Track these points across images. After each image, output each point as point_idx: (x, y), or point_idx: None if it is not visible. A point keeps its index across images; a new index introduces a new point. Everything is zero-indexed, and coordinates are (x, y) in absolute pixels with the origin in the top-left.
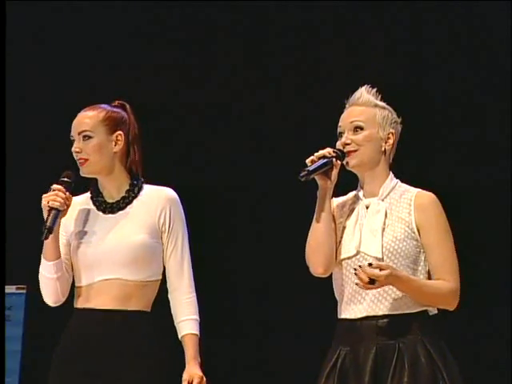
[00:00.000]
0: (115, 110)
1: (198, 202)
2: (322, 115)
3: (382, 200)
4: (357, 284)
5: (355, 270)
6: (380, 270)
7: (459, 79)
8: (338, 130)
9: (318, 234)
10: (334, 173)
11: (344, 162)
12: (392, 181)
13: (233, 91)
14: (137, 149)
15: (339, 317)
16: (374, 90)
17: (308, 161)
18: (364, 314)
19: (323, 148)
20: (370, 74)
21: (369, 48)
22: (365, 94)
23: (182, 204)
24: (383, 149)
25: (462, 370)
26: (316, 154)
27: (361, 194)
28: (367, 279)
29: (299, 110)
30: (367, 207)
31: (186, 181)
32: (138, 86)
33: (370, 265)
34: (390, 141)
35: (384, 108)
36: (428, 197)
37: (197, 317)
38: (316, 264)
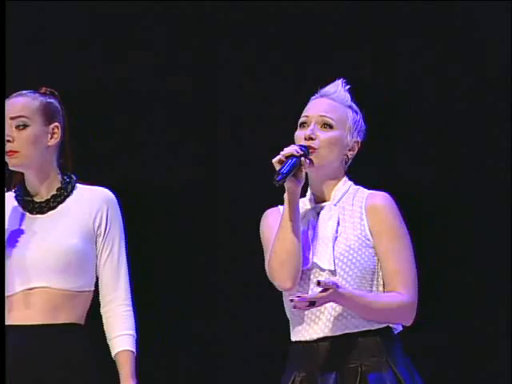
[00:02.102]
0: (48, 99)
1: (134, 204)
2: (276, 113)
3: (335, 205)
4: (294, 308)
5: (291, 301)
6: (323, 290)
7: (459, 79)
8: (302, 119)
9: (287, 243)
10: (303, 173)
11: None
12: (345, 183)
13: (181, 83)
14: (70, 143)
15: (292, 339)
16: (348, 87)
17: (275, 161)
18: (321, 335)
19: (287, 146)
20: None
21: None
22: (341, 89)
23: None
24: (345, 156)
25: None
26: (283, 153)
27: (311, 199)
28: (307, 304)
29: (260, 107)
30: (318, 213)
31: (120, 180)
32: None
33: (318, 283)
34: (355, 149)
35: (357, 112)
36: (380, 197)
37: (133, 332)
38: (284, 278)
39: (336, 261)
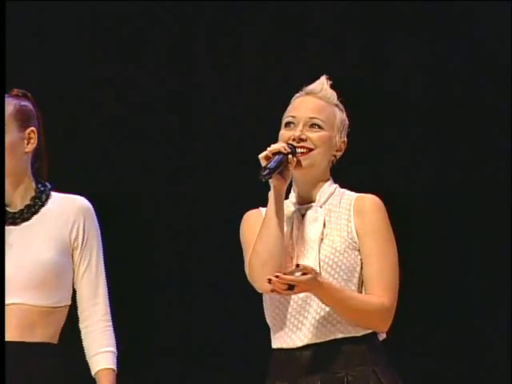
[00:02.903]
0: (22, 102)
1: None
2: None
3: (320, 207)
4: (271, 291)
5: (269, 279)
6: (303, 273)
7: (459, 80)
8: (288, 119)
9: (270, 243)
10: (290, 172)
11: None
12: (331, 185)
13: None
14: (45, 148)
15: (274, 347)
16: (331, 83)
17: (262, 157)
18: (305, 342)
19: (273, 142)
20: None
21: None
22: (327, 87)
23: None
24: (333, 157)
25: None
26: (270, 149)
27: (295, 200)
28: (285, 286)
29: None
30: (303, 215)
31: (96, 188)
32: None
33: (297, 266)
34: (342, 149)
35: (342, 111)
36: (369, 199)
37: (114, 349)
38: (265, 278)
39: (321, 263)
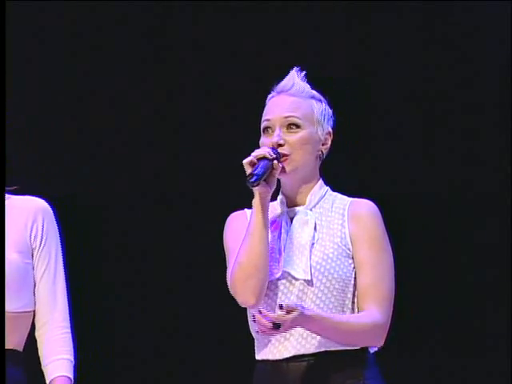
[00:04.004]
0: None
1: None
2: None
3: (311, 210)
4: (257, 333)
5: (253, 316)
6: (287, 312)
7: (459, 79)
8: (264, 123)
9: (254, 253)
10: (275, 177)
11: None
12: (322, 187)
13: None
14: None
15: (258, 358)
16: (303, 73)
17: (246, 162)
18: (292, 353)
19: (257, 148)
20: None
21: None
22: (298, 80)
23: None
24: (319, 152)
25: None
26: (254, 155)
27: (283, 202)
28: (270, 325)
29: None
30: (292, 218)
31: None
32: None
33: (280, 307)
34: (328, 142)
35: (321, 100)
36: (365, 204)
37: (71, 357)
38: (248, 293)
39: (312, 270)
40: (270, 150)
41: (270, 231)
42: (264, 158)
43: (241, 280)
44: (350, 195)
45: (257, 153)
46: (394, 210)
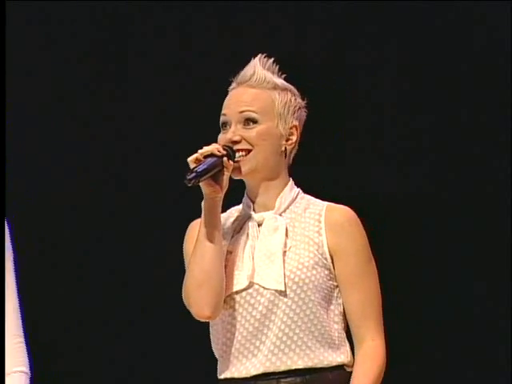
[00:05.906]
0: None
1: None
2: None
3: (280, 214)
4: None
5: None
6: None
7: (459, 79)
8: (221, 119)
9: (205, 261)
10: (226, 177)
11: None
12: (292, 190)
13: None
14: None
15: (221, 376)
16: (271, 61)
17: (191, 160)
18: (260, 371)
19: (208, 144)
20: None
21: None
22: (259, 70)
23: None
24: (283, 148)
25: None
26: (201, 152)
27: (249, 206)
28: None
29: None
30: (260, 224)
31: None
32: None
33: None
34: (293, 137)
35: (286, 90)
36: (344, 212)
37: (27, 369)
38: (202, 303)
39: (286, 280)
40: (219, 147)
41: (234, 236)
42: (212, 154)
43: (192, 288)
44: (324, 199)
45: (204, 149)
46: (394, 210)
